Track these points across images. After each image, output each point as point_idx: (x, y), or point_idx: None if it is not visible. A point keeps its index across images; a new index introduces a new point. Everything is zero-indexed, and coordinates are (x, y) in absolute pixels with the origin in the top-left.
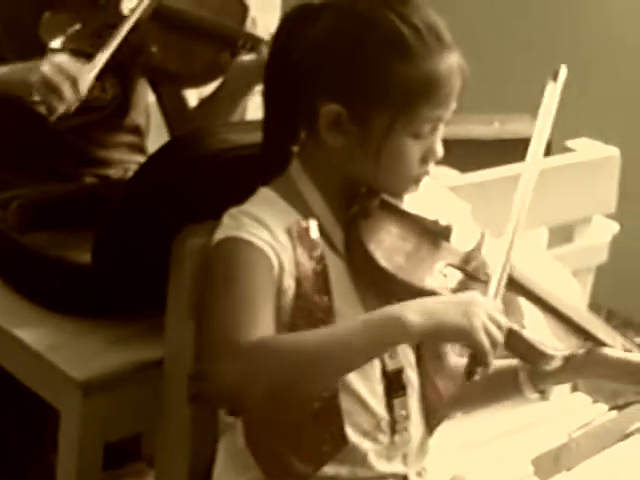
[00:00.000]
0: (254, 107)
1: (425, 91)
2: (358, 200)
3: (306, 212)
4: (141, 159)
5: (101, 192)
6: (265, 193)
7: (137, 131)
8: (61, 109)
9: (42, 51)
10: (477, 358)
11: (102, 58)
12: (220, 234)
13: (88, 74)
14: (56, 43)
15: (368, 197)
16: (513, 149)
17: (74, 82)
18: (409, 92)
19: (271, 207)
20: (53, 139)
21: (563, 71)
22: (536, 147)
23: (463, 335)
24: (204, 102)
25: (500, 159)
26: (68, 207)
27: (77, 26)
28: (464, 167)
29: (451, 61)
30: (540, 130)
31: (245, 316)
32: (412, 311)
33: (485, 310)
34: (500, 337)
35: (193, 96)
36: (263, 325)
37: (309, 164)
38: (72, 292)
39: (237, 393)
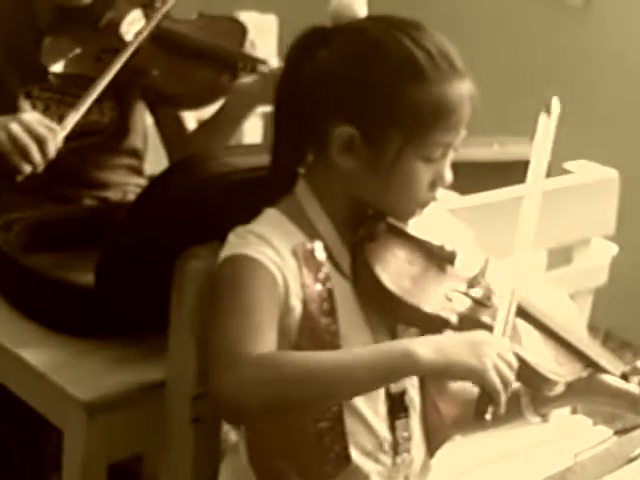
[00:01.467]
0: (250, 129)
1: (437, 115)
2: (365, 223)
3: (312, 233)
4: (139, 181)
5: (102, 214)
6: (271, 214)
7: (135, 154)
8: (27, 170)
9: (43, 76)
10: (488, 397)
11: (74, 118)
12: (226, 251)
13: (57, 136)
14: (57, 67)
15: (375, 220)
16: (512, 171)
17: (42, 144)
18: (421, 115)
19: (277, 228)
20: (52, 162)
21: (555, 104)
22: (535, 178)
23: (474, 374)
24: (204, 125)
25: (499, 181)
26: (69, 229)
27: (77, 50)
28: (463, 189)
29: (463, 88)
30: (537, 163)
31: (248, 330)
32: (423, 347)
33: (496, 349)
34: (512, 377)
35: (191, 118)
36: (266, 340)
37: (316, 186)
38: (75, 313)
39: (235, 403)
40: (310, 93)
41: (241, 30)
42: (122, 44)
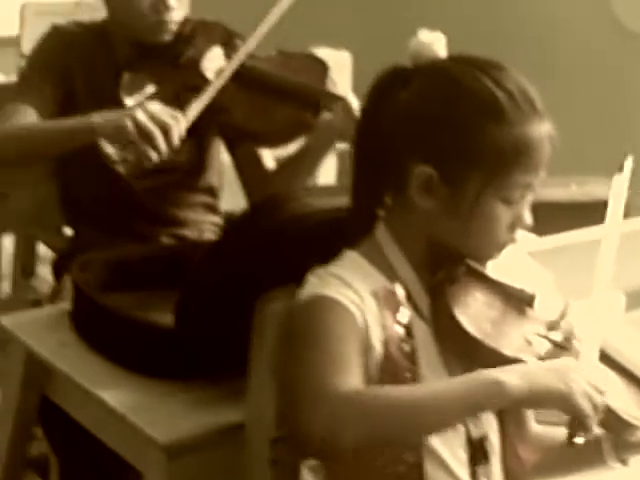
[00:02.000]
0: (325, 168)
1: (517, 155)
2: (444, 265)
3: (392, 276)
4: (215, 219)
5: (180, 253)
6: (350, 256)
7: (211, 191)
8: (154, 157)
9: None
10: (578, 423)
11: (194, 111)
12: (306, 292)
13: (181, 125)
14: (135, 103)
15: (454, 263)
16: (591, 212)
17: (166, 130)
18: (502, 156)
19: (357, 270)
20: (129, 200)
21: (629, 163)
22: (613, 221)
23: (563, 401)
24: (283, 163)
25: (578, 222)
26: (147, 268)
27: (156, 87)
28: (541, 230)
29: (543, 128)
30: (612, 216)
31: (337, 367)
32: (512, 376)
33: (583, 376)
34: (601, 401)
35: (269, 156)
36: (354, 377)
37: (395, 227)
38: (155, 354)
39: (330, 439)
40: (390, 133)
41: (322, 67)
42: (203, 81)
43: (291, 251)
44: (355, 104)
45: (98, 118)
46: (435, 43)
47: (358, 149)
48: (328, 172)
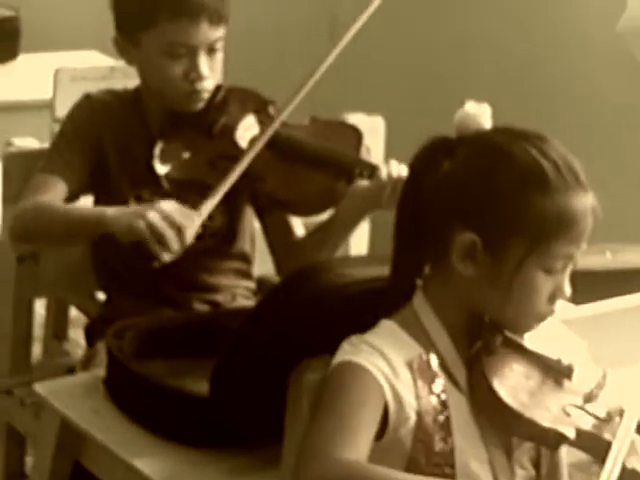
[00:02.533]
0: (357, 239)
1: (562, 225)
2: (481, 336)
3: (428, 345)
4: (248, 284)
5: (214, 321)
6: (387, 325)
7: (244, 257)
8: (166, 258)
9: (154, 180)
10: None
11: (209, 206)
12: (337, 358)
13: (194, 223)
14: (169, 172)
15: (491, 333)
16: (626, 280)
17: (179, 231)
18: (546, 225)
19: (392, 339)
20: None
21: None
22: None
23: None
24: (314, 231)
25: (612, 290)
26: (181, 336)
27: (190, 155)
28: (577, 299)
29: (587, 200)
30: None
31: (341, 432)
32: None
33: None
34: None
35: (300, 224)
36: (356, 446)
37: (433, 296)
38: (189, 422)
39: None
40: (432, 202)
41: (356, 136)
42: (237, 150)
43: (328, 321)
44: (385, 172)
45: (112, 213)
46: (481, 115)
47: (400, 218)
48: (360, 245)
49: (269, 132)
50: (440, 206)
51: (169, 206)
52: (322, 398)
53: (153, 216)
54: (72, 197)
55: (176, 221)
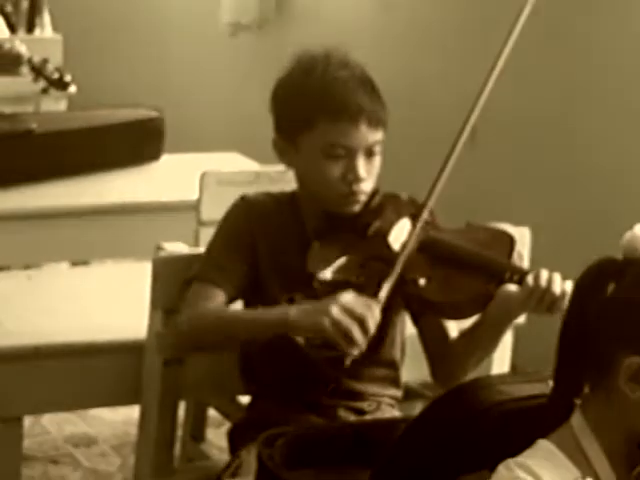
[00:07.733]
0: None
1: None
2: None
3: (586, 469)
4: (395, 393)
5: (365, 431)
6: (544, 446)
7: (393, 365)
8: (354, 353)
9: (306, 282)
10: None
11: (384, 292)
12: None
13: (375, 312)
14: (323, 274)
15: None
16: None
17: (362, 323)
18: None
19: (549, 461)
20: (309, 370)
21: None
22: None
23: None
24: (464, 334)
25: None
26: (331, 445)
27: (344, 257)
28: None
29: None
30: None
31: None
32: None
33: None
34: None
35: (454, 328)
36: None
37: (593, 418)
38: None
39: None
40: (597, 325)
41: (509, 241)
42: (390, 253)
43: (486, 437)
44: (532, 279)
45: (294, 314)
46: None
47: (563, 336)
48: (503, 362)
49: (415, 233)
50: (605, 329)
51: (349, 298)
52: None
53: (336, 312)
54: (231, 302)
55: (357, 313)
